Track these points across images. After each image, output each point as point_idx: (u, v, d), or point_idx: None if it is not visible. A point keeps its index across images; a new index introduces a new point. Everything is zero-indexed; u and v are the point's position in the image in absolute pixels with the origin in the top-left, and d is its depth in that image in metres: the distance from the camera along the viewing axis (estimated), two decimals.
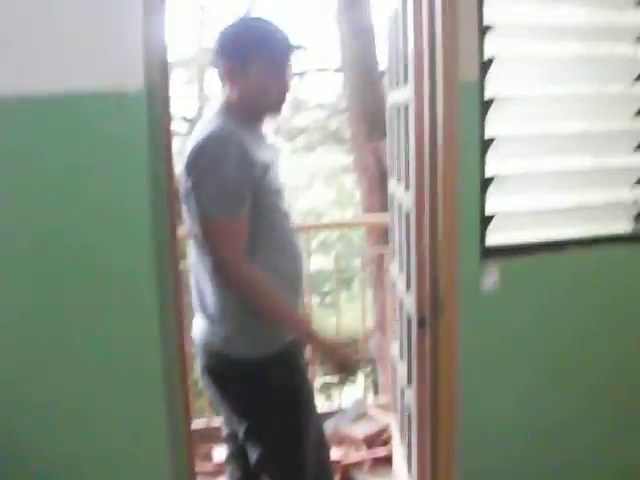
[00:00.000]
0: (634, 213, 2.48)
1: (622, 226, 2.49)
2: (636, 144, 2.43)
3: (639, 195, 2.48)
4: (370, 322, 6.77)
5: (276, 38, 2.00)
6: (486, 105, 2.20)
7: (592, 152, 2.44)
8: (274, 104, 2.07)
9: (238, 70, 1.97)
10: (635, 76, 2.40)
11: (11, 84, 1.76)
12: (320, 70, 11.68)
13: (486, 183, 2.23)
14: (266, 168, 1.95)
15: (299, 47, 2.29)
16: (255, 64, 1.96)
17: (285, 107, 2.11)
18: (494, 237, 2.27)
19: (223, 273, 1.88)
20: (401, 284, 2.75)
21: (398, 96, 2.69)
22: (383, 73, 7.53)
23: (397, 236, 2.86)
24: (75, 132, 1.81)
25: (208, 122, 1.97)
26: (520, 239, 2.34)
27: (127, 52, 1.80)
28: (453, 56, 2.08)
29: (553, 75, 2.34)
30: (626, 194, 2.49)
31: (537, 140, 2.36)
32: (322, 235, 13.84)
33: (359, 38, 7.25)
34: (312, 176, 13.77)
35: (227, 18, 13.07)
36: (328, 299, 11.15)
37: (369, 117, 7.18)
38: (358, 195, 11.73)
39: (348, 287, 10.80)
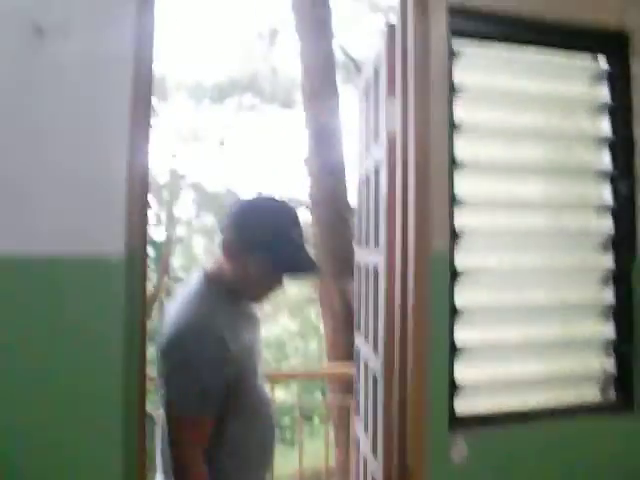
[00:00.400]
0: (601, 382, 2.51)
1: (590, 395, 2.52)
2: (600, 315, 2.50)
3: (606, 364, 2.52)
4: (332, 460, 6.62)
5: (289, 248, 1.89)
6: (456, 275, 2.27)
7: (560, 322, 2.50)
8: (258, 296, 2.03)
9: (238, 253, 1.90)
10: (600, 247, 2.51)
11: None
12: None
13: (455, 351, 2.26)
14: (245, 352, 1.93)
15: (311, 269, 2.19)
16: (256, 258, 1.89)
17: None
18: (463, 406, 2.27)
19: (176, 463, 1.82)
20: (366, 446, 2.71)
21: (367, 255, 2.76)
22: (353, 211, 7.71)
23: (363, 397, 2.85)
24: (56, 293, 1.81)
25: (190, 295, 1.93)
26: (489, 408, 2.35)
27: (110, 222, 1.83)
28: (425, 227, 2.16)
29: (520, 246, 2.43)
30: (593, 363, 2.53)
31: (505, 310, 2.42)
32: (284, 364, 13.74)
33: (329, 176, 7.41)
34: (277, 306, 13.78)
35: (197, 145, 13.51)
36: (288, 433, 10.93)
37: (338, 256, 7.25)
38: (321, 328, 11.72)
39: (309, 420, 10.62)
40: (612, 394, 2.53)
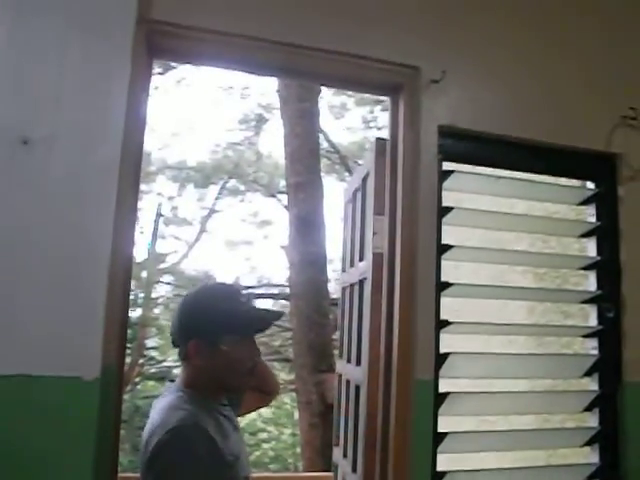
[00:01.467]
0: None
1: None
2: (584, 440, 2.45)
3: None
4: None
5: (244, 311, 1.92)
6: (439, 398, 2.22)
7: (544, 446, 2.45)
8: (240, 380, 1.95)
9: (206, 349, 1.87)
10: (584, 371, 2.47)
11: None
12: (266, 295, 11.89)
13: (438, 478, 2.19)
14: (234, 457, 1.87)
15: (269, 317, 2.20)
16: (225, 342, 1.87)
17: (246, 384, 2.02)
18: None
19: None
20: None
21: (349, 371, 2.71)
22: (334, 302, 7.67)
23: None
24: (27, 412, 1.77)
25: (169, 406, 1.84)
26: None
27: (85, 343, 1.80)
28: (409, 351, 2.13)
29: (505, 369, 2.39)
30: None
31: (489, 435, 2.37)
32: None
33: (309, 267, 7.40)
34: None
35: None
36: None
37: (316, 348, 7.17)
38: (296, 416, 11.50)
39: None
40: None
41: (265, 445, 14.22)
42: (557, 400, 2.50)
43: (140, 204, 2.03)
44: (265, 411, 14.37)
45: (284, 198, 13.15)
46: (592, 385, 2.49)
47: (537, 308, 2.82)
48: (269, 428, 14.62)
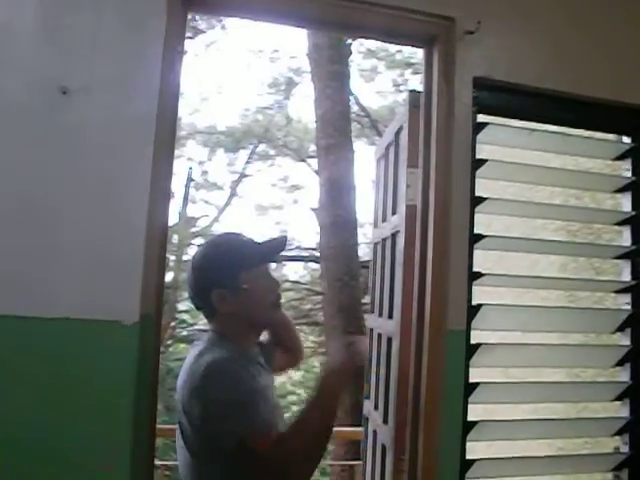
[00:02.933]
0: (614, 464, 2.45)
1: (603, 476, 2.46)
2: (615, 395, 2.46)
3: (620, 444, 2.47)
4: None
5: (251, 246, 2.01)
6: (471, 349, 2.23)
7: (573, 401, 2.46)
8: (268, 312, 2.04)
9: (229, 294, 1.94)
10: (616, 326, 2.47)
11: (11, 305, 1.78)
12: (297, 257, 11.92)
13: (467, 427, 2.21)
14: (268, 402, 1.91)
15: (276, 243, 2.26)
16: (244, 281, 1.94)
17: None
18: None
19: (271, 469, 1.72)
20: None
21: (381, 324, 2.73)
22: (364, 265, 7.69)
23: (370, 465, 2.79)
24: (68, 355, 1.81)
25: (201, 352, 1.89)
26: None
27: (125, 286, 1.84)
28: (442, 304, 2.14)
29: (536, 322, 2.40)
30: (606, 444, 2.48)
31: (520, 387, 2.38)
32: None
33: (340, 230, 7.41)
34: None
35: None
36: None
37: (345, 309, 7.22)
38: None
39: None
40: (625, 476, 2.46)
41: (294, 408, 14.40)
42: (588, 354, 2.50)
43: None
44: (295, 374, 14.55)
45: (314, 162, 13.14)
46: (624, 340, 2.48)
47: (569, 264, 2.81)
48: (298, 391, 14.76)
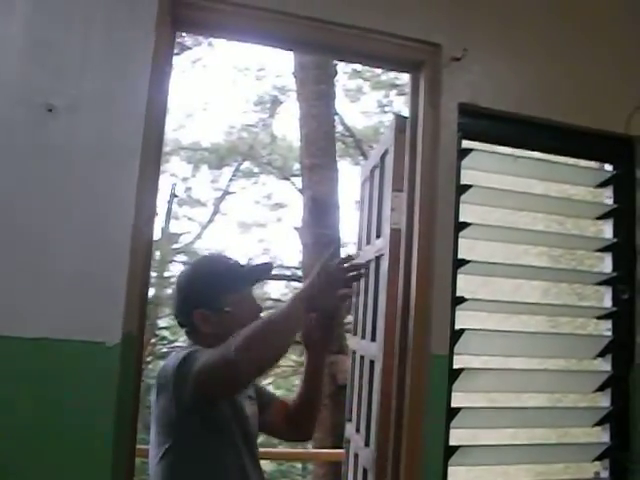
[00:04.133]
0: None
1: None
2: (595, 420, 2.47)
3: (600, 469, 2.48)
4: None
5: (236, 269, 2.05)
6: (454, 374, 2.24)
7: (554, 426, 2.47)
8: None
9: (211, 315, 1.96)
10: (597, 352, 2.48)
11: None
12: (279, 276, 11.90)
13: (450, 452, 2.21)
14: (241, 414, 1.95)
15: (259, 268, 2.26)
16: (227, 303, 1.97)
17: None
18: None
19: (231, 379, 1.76)
20: None
21: (363, 346, 2.73)
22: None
23: None
24: (49, 375, 1.80)
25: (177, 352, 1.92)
26: None
27: (108, 305, 1.83)
28: (425, 328, 2.15)
29: (518, 348, 2.41)
30: (587, 469, 2.49)
31: (502, 412, 2.38)
32: None
33: (322, 248, 7.40)
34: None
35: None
36: None
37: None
38: None
39: None
40: None
41: None
42: (570, 380, 2.51)
43: None
44: (275, 392, 14.46)
45: (297, 181, 13.16)
46: (605, 366, 2.50)
47: (551, 290, 2.84)
48: None
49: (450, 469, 2.22)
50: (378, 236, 2.62)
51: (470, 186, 2.31)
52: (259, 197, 14.15)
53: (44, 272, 1.81)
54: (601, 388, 2.48)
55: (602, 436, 2.50)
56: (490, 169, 2.45)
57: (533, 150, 2.47)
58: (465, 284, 2.29)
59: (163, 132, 2.11)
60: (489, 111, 2.35)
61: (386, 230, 2.40)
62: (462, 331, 2.25)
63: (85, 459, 1.78)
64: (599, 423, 2.48)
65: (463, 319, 2.27)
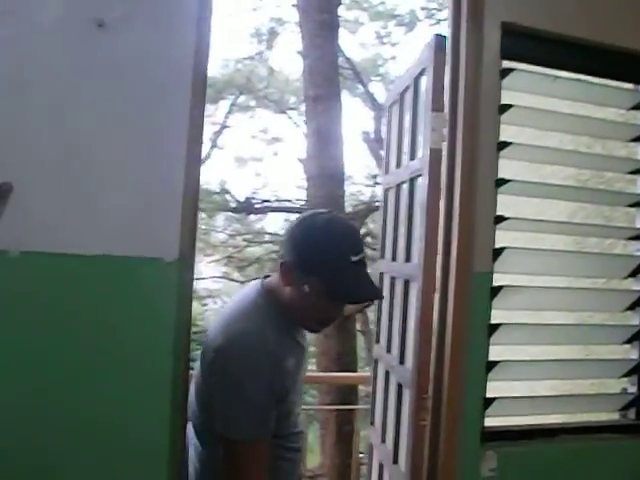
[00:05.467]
0: (621, 403, 2.55)
1: (610, 415, 2.57)
2: (625, 338, 2.54)
3: (627, 385, 2.56)
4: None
5: (349, 273, 1.75)
6: (493, 291, 2.28)
7: (586, 342, 2.54)
8: (312, 323, 1.93)
9: (295, 274, 1.79)
10: (628, 272, 2.54)
11: (52, 242, 1.76)
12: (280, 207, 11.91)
13: (489, 367, 2.28)
14: (290, 377, 1.87)
15: (373, 296, 2.02)
16: (314, 283, 1.77)
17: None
18: (493, 420, 2.30)
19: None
20: (383, 455, 2.73)
21: (395, 268, 2.77)
22: (351, 218, 7.70)
23: (381, 407, 2.85)
24: (111, 291, 1.81)
25: (245, 303, 1.88)
26: (517, 424, 2.39)
27: (166, 222, 1.84)
28: (469, 246, 2.18)
29: (553, 267, 2.46)
30: (614, 385, 2.57)
31: (536, 329, 2.45)
32: None
33: (328, 180, 7.41)
34: None
35: None
36: None
37: None
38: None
39: None
40: (632, 415, 2.56)
41: None
42: (601, 298, 2.58)
43: None
44: None
45: (294, 114, 13.09)
46: (636, 285, 2.56)
47: (578, 213, 2.87)
48: None
49: (489, 385, 2.29)
50: (412, 158, 2.63)
51: (510, 106, 2.31)
52: (255, 131, 14.02)
53: (98, 189, 1.80)
54: (632, 307, 2.55)
55: (630, 353, 2.57)
56: (528, 89, 2.45)
57: (571, 71, 2.47)
58: (500, 204, 2.32)
59: (208, 57, 2.06)
60: (530, 30, 2.33)
61: (426, 151, 2.40)
62: (502, 249, 2.29)
63: (148, 374, 1.81)
64: (629, 341, 2.55)
65: (498, 238, 2.30)
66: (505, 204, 2.33)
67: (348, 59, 11.25)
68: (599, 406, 2.58)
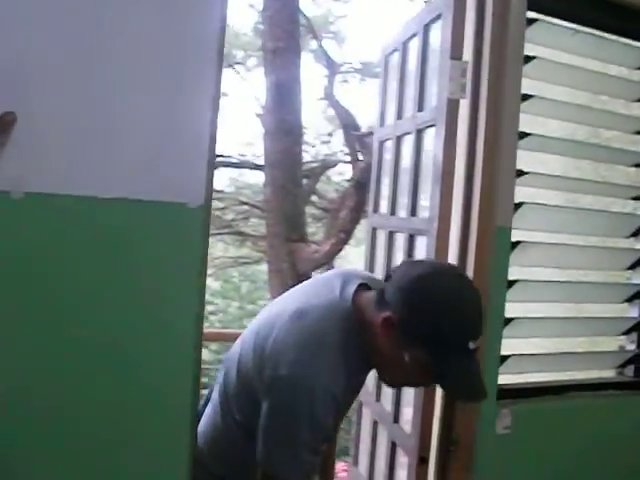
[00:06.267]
0: (619, 361, 2.60)
1: (606, 373, 2.68)
2: (627, 296, 2.56)
3: (626, 343, 2.61)
4: None
5: (460, 361, 1.46)
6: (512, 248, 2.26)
7: (590, 301, 2.56)
8: (389, 380, 1.70)
9: (398, 337, 1.49)
10: (631, 232, 2.55)
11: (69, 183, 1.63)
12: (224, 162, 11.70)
13: (505, 323, 2.26)
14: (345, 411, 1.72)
15: (476, 397, 1.59)
16: (416, 358, 1.48)
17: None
18: (507, 378, 2.30)
19: None
20: (381, 410, 2.70)
21: (391, 223, 2.71)
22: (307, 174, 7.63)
23: None
24: (135, 237, 1.71)
25: (320, 330, 1.57)
26: (527, 381, 2.41)
27: (192, 166, 1.74)
28: (492, 201, 2.13)
29: (567, 225, 2.45)
30: (609, 343, 2.64)
31: (548, 285, 2.44)
32: None
33: (286, 136, 7.30)
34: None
35: None
36: None
37: (289, 217, 7.18)
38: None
39: None
40: (630, 372, 2.63)
41: (212, 317, 14.47)
42: (603, 256, 2.60)
43: None
44: (213, 284, 14.58)
45: (242, 69, 12.84)
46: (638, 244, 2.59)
47: (601, 170, 2.86)
48: (216, 301, 14.81)
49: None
50: (420, 109, 2.55)
51: (533, 57, 2.26)
52: None
53: (117, 128, 1.66)
54: (632, 266, 2.57)
55: (630, 312, 2.60)
56: (547, 42, 2.40)
57: (593, 27, 2.43)
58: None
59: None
60: None
61: (442, 101, 2.32)
62: (520, 204, 2.25)
63: (172, 310, 1.71)
64: (628, 300, 2.58)
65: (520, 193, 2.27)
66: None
67: (304, 14, 11.04)
68: (597, 364, 2.64)
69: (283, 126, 7.19)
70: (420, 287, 1.47)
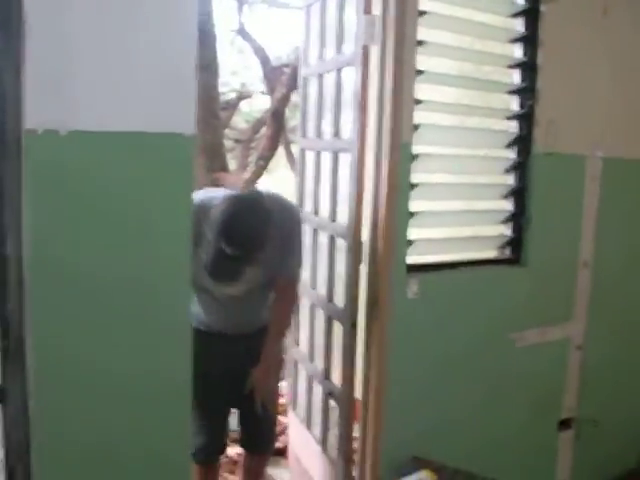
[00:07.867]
0: (499, 244, 3.38)
1: (491, 253, 3.43)
2: (503, 194, 3.33)
3: (503, 230, 3.40)
4: None
5: (215, 250, 2.50)
6: (412, 159, 2.95)
7: (476, 198, 3.33)
8: None
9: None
10: (505, 144, 3.31)
11: (74, 120, 1.86)
12: None
13: (411, 215, 2.97)
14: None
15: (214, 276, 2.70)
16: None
17: None
18: (414, 258, 3.02)
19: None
20: (314, 292, 3.43)
21: (318, 145, 3.37)
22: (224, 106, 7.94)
23: (311, 257, 3.51)
24: (132, 168, 1.99)
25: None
26: (431, 259, 3.17)
27: (183, 98, 2.09)
28: (398, 122, 2.81)
29: (455, 140, 3.18)
30: (497, 229, 3.43)
31: (443, 187, 3.18)
32: None
33: (203, 71, 7.60)
34: None
35: None
36: None
37: (209, 149, 7.59)
38: None
39: None
40: (508, 252, 3.44)
41: None
42: (485, 163, 3.36)
43: None
44: None
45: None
46: (511, 154, 3.36)
47: (478, 97, 3.52)
48: None
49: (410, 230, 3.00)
50: (339, 52, 3.17)
51: (425, 12, 2.91)
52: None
53: (113, 65, 1.90)
54: (507, 171, 3.34)
55: (506, 206, 3.38)
56: None
57: None
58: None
59: None
60: None
61: (358, 47, 2.89)
62: (419, 125, 2.95)
63: (170, 232, 2.09)
64: (505, 197, 3.36)
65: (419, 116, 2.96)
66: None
67: None
68: (483, 246, 3.42)
69: (200, 62, 7.48)
70: (221, 209, 2.54)
